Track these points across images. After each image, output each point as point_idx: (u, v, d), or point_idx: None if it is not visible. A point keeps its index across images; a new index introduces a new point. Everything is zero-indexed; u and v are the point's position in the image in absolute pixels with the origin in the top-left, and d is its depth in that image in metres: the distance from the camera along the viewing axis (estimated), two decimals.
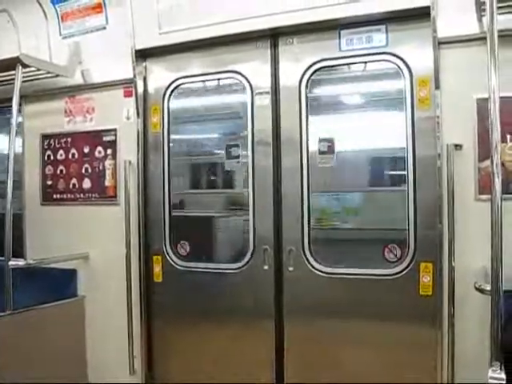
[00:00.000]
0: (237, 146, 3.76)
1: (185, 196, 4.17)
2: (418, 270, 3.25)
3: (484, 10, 2.66)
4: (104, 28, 4.17)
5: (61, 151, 4.47)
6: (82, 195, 4.36)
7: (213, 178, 4.21)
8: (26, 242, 4.53)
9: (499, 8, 2.54)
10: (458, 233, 3.11)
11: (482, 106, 2.94)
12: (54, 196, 4.49)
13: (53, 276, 4.17)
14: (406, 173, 3.28)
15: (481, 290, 2.73)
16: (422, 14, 3.12)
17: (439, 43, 3.13)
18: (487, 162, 2.93)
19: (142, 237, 4.03)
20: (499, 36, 2.46)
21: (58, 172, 4.48)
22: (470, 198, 3.12)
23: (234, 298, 3.77)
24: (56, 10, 4.34)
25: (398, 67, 3.29)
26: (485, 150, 2.94)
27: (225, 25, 3.58)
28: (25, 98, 4.40)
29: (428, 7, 3.07)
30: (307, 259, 3.53)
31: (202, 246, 4.07)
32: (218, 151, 3.96)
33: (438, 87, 3.15)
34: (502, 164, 2.83)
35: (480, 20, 2.94)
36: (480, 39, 2.85)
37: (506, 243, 2.30)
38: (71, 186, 4.41)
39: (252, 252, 3.69)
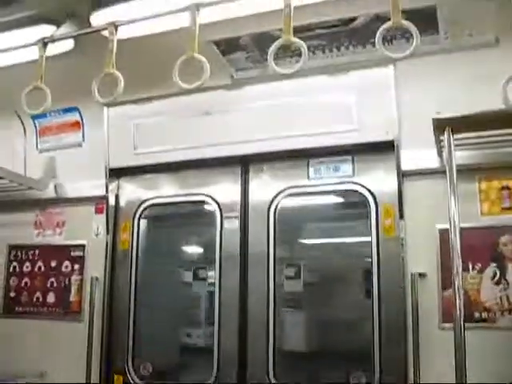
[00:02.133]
0: (204, 268, 3.80)
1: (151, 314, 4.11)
2: None
3: (443, 146, 2.82)
4: (80, 145, 4.29)
5: (27, 263, 4.41)
6: (45, 309, 4.26)
7: (181, 298, 4.18)
8: None
9: (456, 146, 2.70)
10: (422, 361, 3.08)
11: (445, 235, 2.98)
12: (16, 309, 4.38)
13: None
14: (371, 300, 3.29)
15: None
16: (387, 147, 3.28)
17: (403, 175, 3.27)
18: (450, 291, 2.96)
19: (104, 355, 3.90)
20: (458, 170, 2.61)
21: (23, 284, 4.39)
22: (434, 325, 3.13)
23: None
24: (35, 125, 4.46)
25: (364, 196, 3.42)
26: (448, 278, 2.96)
27: (198, 149, 3.72)
28: None
29: (392, 141, 3.25)
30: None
31: (165, 366, 3.96)
32: (186, 272, 3.97)
33: (402, 217, 3.26)
34: (465, 293, 2.89)
35: (440, 155, 3.09)
36: (441, 172, 2.98)
37: (469, 372, 2.31)
38: (35, 299, 4.32)
39: (216, 374, 3.60)
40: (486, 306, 3.06)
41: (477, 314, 3.06)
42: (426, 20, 2.93)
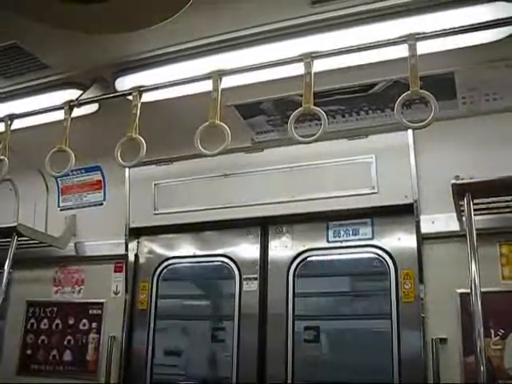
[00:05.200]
0: (223, 329, 3.77)
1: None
2: None
3: (462, 210, 2.82)
4: (101, 204, 4.35)
5: (45, 320, 4.41)
6: (61, 368, 4.23)
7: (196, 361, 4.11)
8: None
9: (476, 210, 2.70)
10: None
11: (465, 300, 2.94)
12: (32, 366, 4.35)
13: None
14: (391, 367, 3.23)
15: None
16: (406, 210, 3.28)
17: (422, 238, 3.26)
18: (473, 357, 2.89)
19: None
20: (478, 234, 2.60)
21: (40, 342, 4.38)
22: None
23: None
24: (57, 183, 4.53)
25: (384, 259, 3.41)
26: (470, 344, 2.90)
27: (217, 211, 3.76)
28: (14, 263, 4.43)
29: (412, 204, 3.26)
30: None
31: None
32: (204, 333, 3.93)
33: (421, 281, 3.22)
34: (488, 359, 2.82)
35: (460, 219, 3.08)
36: (461, 236, 2.96)
37: None
38: (51, 357, 4.29)
39: None
40: (510, 374, 2.96)
41: (501, 382, 2.96)
42: (444, 85, 2.98)
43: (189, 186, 3.90)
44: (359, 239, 3.51)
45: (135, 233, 4.14)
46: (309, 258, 3.63)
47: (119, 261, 4.15)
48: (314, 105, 2.37)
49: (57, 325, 4.35)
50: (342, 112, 3.35)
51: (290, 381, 3.46)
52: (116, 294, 4.12)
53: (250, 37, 2.71)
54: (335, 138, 3.45)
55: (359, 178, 3.43)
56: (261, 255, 3.74)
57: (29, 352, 4.40)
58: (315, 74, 2.41)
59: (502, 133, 3.13)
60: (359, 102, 3.24)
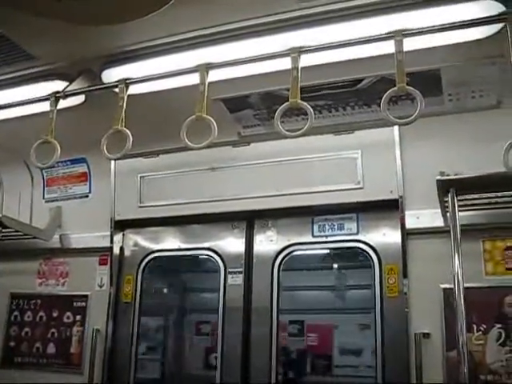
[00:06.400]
0: (207, 322, 3.78)
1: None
2: None
3: (447, 206, 2.84)
4: (86, 196, 4.33)
5: (29, 313, 4.39)
6: (45, 360, 4.21)
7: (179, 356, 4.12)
8: None
9: (460, 206, 2.72)
10: None
11: (449, 295, 2.99)
12: (15, 359, 4.32)
13: None
14: (375, 362, 3.26)
15: None
16: (391, 205, 3.31)
17: (407, 234, 3.28)
18: (455, 352, 2.91)
19: None
20: (462, 230, 2.61)
21: (23, 334, 4.35)
22: None
23: None
24: (43, 175, 4.50)
25: (368, 254, 3.43)
26: (453, 338, 2.91)
27: (203, 204, 3.76)
28: None
29: (397, 200, 3.27)
30: None
31: None
32: (188, 326, 3.94)
33: (405, 275, 3.25)
34: (470, 354, 2.84)
35: (444, 215, 3.09)
36: (445, 231, 2.95)
37: None
38: (35, 349, 4.27)
39: None
40: (492, 369, 3.00)
41: (482, 377, 3.00)
42: (430, 82, 3.00)
43: (175, 179, 3.89)
44: (344, 234, 3.52)
45: (120, 225, 4.12)
46: (294, 253, 3.66)
47: (104, 253, 4.13)
48: (301, 99, 2.37)
49: (41, 317, 4.33)
50: (329, 107, 3.35)
51: (274, 374, 3.47)
52: (100, 286, 4.11)
53: (237, 30, 2.71)
54: (321, 133, 3.45)
55: (345, 173, 3.44)
56: (246, 249, 3.75)
57: (12, 344, 4.38)
58: (302, 68, 2.41)
59: (488, 130, 3.15)
60: (346, 97, 3.25)
